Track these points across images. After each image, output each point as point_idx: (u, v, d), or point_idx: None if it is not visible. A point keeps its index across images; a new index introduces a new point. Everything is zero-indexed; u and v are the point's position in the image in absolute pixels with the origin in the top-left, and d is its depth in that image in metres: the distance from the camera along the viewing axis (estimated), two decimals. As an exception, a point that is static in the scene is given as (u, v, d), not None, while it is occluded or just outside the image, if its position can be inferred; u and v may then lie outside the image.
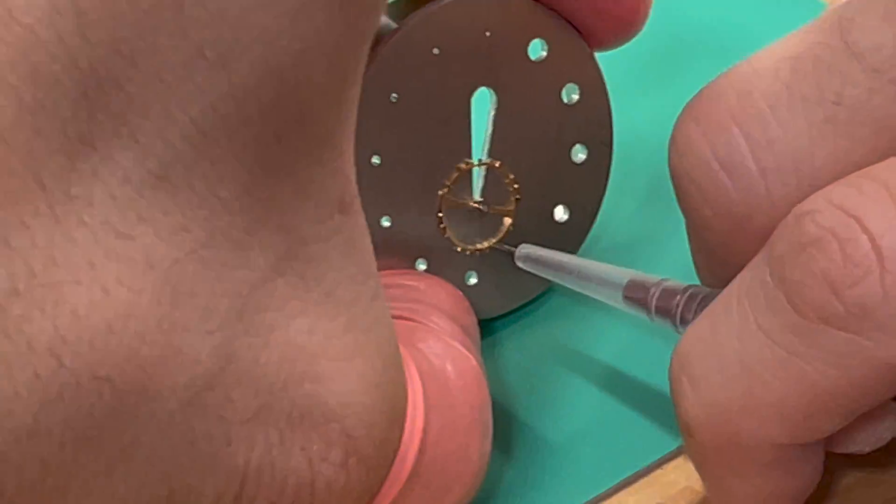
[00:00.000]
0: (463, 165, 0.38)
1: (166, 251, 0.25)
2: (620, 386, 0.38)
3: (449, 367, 0.32)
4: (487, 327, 0.40)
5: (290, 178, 0.27)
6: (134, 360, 0.25)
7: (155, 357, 0.25)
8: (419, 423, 0.31)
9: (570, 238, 0.40)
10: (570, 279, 0.37)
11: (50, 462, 0.24)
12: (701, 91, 0.31)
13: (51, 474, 0.25)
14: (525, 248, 0.38)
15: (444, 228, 0.38)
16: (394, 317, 0.32)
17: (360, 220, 0.29)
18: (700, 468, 0.31)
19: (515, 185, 0.39)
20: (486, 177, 0.39)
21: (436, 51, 0.36)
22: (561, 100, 0.39)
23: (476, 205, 0.39)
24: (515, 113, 0.38)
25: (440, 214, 0.38)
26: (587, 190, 0.40)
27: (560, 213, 0.40)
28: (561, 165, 0.40)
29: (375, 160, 0.37)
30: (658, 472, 0.35)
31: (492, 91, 0.38)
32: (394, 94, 0.36)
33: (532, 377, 0.39)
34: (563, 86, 0.39)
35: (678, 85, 0.46)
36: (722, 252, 0.31)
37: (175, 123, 0.25)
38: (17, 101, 0.24)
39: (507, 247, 0.39)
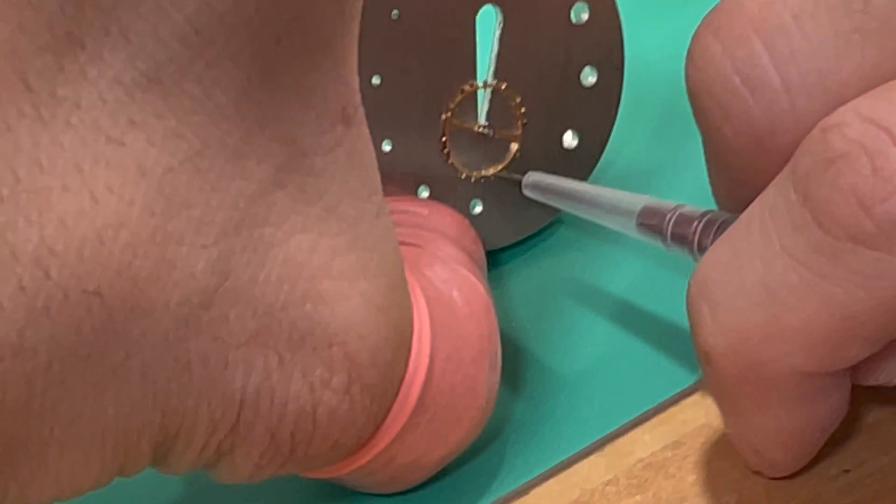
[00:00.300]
0: (467, 87, 0.37)
1: (159, 158, 0.24)
2: (633, 320, 0.37)
3: (456, 294, 0.31)
4: (493, 259, 0.39)
5: (290, 84, 0.26)
6: (125, 273, 0.24)
7: (147, 271, 0.24)
8: (425, 351, 0.30)
9: (580, 165, 0.39)
10: (580, 207, 0.35)
11: (35, 382, 0.23)
12: (720, 2, 0.29)
13: (36, 395, 0.24)
14: (533, 176, 0.37)
15: (448, 154, 0.37)
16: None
17: (364, 132, 0.28)
18: (719, 401, 0.30)
19: (522, 109, 0.37)
20: (491, 100, 0.37)
21: None
22: (570, 19, 0.37)
23: (481, 129, 0.37)
24: (522, 32, 0.37)
25: (444, 139, 0.37)
26: (597, 115, 0.39)
27: (569, 139, 0.39)
28: (570, 89, 0.38)
29: (376, 80, 0.35)
30: (674, 408, 0.34)
31: (498, 9, 0.36)
32: (395, 11, 0.35)
33: (541, 311, 0.37)
34: (573, 4, 0.37)
35: (692, 6, 0.45)
36: (742, 173, 0.29)
37: (168, 21, 0.24)
38: None
39: (514, 175, 0.37)
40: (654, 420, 0.34)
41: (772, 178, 0.28)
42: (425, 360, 0.30)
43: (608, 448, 0.33)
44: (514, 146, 0.38)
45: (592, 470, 0.33)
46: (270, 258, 0.26)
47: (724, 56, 0.28)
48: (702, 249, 0.31)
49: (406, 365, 0.29)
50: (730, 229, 0.28)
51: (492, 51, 0.37)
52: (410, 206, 0.35)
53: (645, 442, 0.33)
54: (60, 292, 0.23)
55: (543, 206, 0.37)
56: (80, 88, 0.23)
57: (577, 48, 0.38)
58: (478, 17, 0.36)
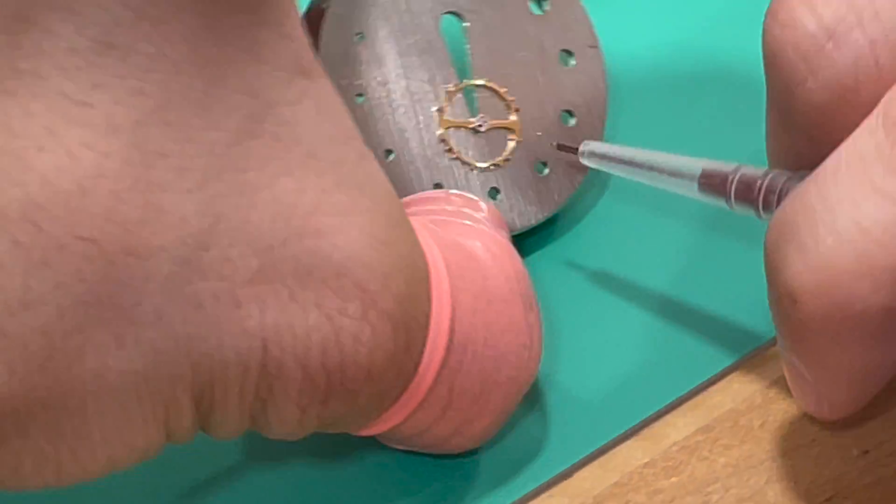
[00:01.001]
0: (451, 88, 0.38)
1: (127, 114, 0.26)
2: (661, 311, 0.37)
3: (475, 243, 0.32)
4: (520, 251, 0.40)
5: (237, 39, 0.27)
6: (114, 218, 0.26)
7: (136, 216, 0.26)
8: (445, 287, 0.31)
9: (586, 140, 0.40)
10: (639, 173, 0.36)
11: (52, 333, 0.25)
12: None
13: (57, 347, 0.25)
14: (590, 145, 0.37)
15: (451, 150, 0.38)
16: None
17: (328, 85, 0.29)
18: (798, 342, 0.30)
19: (511, 98, 0.39)
20: (479, 95, 0.39)
21: None
22: (531, 11, 0.39)
23: (476, 123, 0.39)
24: (489, 31, 0.38)
25: (444, 139, 0.38)
26: (587, 92, 0.40)
27: (567, 118, 0.40)
28: (553, 73, 0.39)
29: (360, 100, 0.37)
30: (703, 395, 0.35)
31: (459, 15, 0.38)
32: (359, 34, 0.37)
33: (571, 303, 0.38)
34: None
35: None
36: (819, 128, 0.30)
37: None
38: None
39: (570, 145, 0.39)
40: (684, 406, 0.35)
41: (850, 130, 0.29)
42: (448, 296, 0.30)
43: (644, 433, 0.34)
44: (514, 132, 0.39)
45: (631, 454, 0.34)
46: (260, 200, 0.27)
47: (811, 15, 0.29)
48: (767, 207, 0.32)
49: (429, 301, 0.30)
50: (812, 176, 0.29)
51: (466, 52, 0.38)
52: (435, 194, 0.36)
53: (678, 426, 0.34)
54: (55, 242, 0.25)
55: (560, 182, 0.39)
56: (39, 61, 0.25)
57: (548, 36, 0.39)
58: (448, 25, 0.38)
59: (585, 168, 0.38)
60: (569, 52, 0.40)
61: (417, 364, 0.30)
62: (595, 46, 0.40)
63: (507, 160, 0.39)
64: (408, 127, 0.38)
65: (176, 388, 0.27)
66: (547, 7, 0.39)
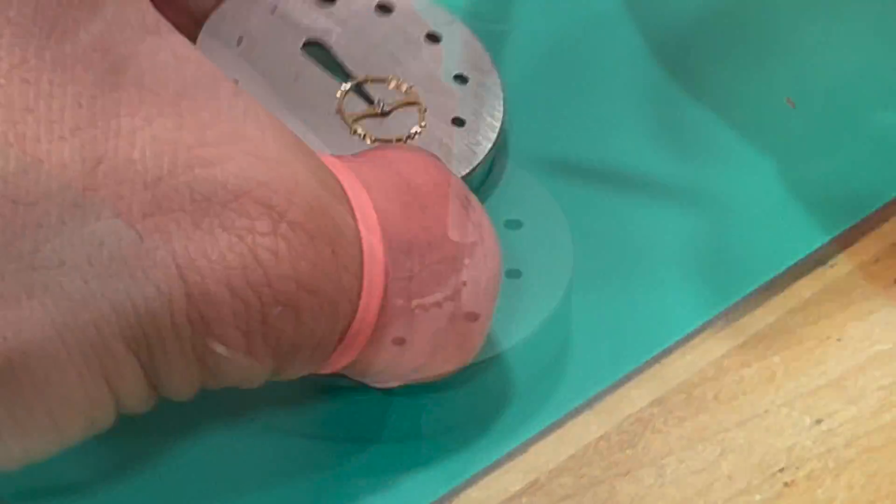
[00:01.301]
0: (341, 92, 0.39)
1: None
2: (612, 281, 0.37)
3: (391, 158, 0.33)
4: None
5: (79, 2, 0.29)
6: None
7: (13, 168, 0.27)
8: (365, 199, 0.31)
9: (492, 87, 0.40)
10: None
11: None
12: None
13: None
14: None
15: (367, 136, 0.39)
16: None
17: (180, 38, 0.30)
18: None
19: (399, 82, 0.40)
20: (370, 89, 0.40)
21: (241, 38, 0.38)
22: (383, 10, 0.40)
23: (379, 108, 0.39)
24: (351, 41, 0.39)
25: (356, 132, 0.39)
26: (467, 56, 0.41)
27: (460, 81, 0.41)
28: (425, 53, 0.40)
29: None
30: (656, 367, 0.35)
31: (318, 42, 0.39)
32: (234, 78, 0.38)
33: (522, 273, 0.37)
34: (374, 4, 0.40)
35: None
36: None
37: None
38: None
39: None
40: (638, 378, 0.35)
41: None
42: (369, 208, 0.31)
43: (598, 406, 0.34)
44: (418, 104, 0.40)
45: (585, 427, 0.34)
46: (139, 139, 0.28)
47: None
48: None
49: (352, 216, 0.31)
50: None
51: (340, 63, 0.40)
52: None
53: (632, 399, 0.34)
54: None
55: (481, 127, 0.39)
56: None
57: (406, 28, 0.40)
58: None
59: (502, 107, 0.39)
60: (432, 35, 0.40)
61: (360, 279, 0.31)
62: (453, 22, 0.41)
63: (423, 126, 0.39)
64: (321, 134, 0.38)
65: (104, 333, 0.28)
66: (393, 10, 0.41)
